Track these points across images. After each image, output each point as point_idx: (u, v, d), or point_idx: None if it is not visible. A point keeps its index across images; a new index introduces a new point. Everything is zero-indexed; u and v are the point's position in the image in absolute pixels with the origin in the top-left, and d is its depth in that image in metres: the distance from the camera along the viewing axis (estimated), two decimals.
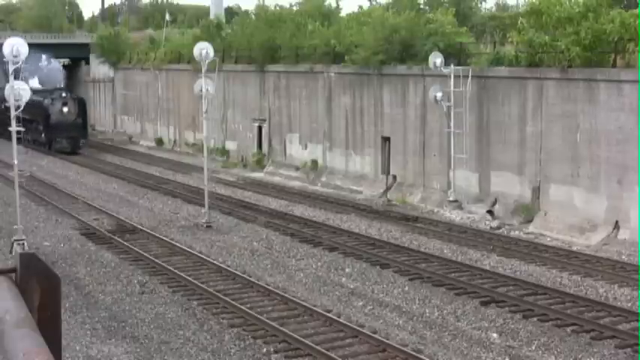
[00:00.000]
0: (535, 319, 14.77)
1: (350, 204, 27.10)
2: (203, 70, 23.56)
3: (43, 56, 52.17)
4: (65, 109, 43.65)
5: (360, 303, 15.95)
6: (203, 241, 21.60)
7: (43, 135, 44.53)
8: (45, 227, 23.45)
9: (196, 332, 14.24)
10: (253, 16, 42.30)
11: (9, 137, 41.17)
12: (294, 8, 40.39)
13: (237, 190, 30.43)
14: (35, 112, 42.56)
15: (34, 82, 48.12)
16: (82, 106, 45.09)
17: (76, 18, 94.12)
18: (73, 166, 37.70)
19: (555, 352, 13.17)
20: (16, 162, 19.25)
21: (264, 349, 13.32)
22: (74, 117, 44.09)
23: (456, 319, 14.90)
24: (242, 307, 15.35)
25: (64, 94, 44.73)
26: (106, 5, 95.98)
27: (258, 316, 14.78)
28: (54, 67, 52.37)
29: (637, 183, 20.26)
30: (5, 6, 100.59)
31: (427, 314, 15.20)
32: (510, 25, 28.73)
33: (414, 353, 12.87)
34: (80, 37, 66.92)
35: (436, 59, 25.63)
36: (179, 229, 23.25)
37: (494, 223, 23.43)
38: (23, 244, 19.13)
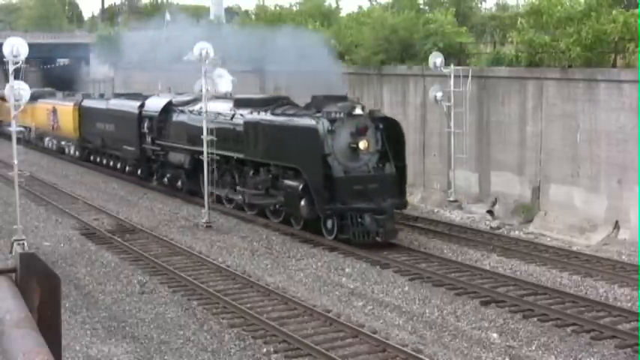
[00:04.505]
0: (535, 319, 14.77)
1: None
2: (203, 70, 23.56)
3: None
4: (362, 144, 20.31)
5: (360, 303, 15.94)
6: (203, 241, 21.60)
7: (303, 204, 20.67)
8: (45, 227, 23.45)
9: (196, 332, 14.24)
10: (253, 17, 42.31)
11: (169, 185, 28.25)
12: (294, 8, 40.40)
13: None
14: (282, 151, 21.67)
15: (223, 81, 28.93)
16: (394, 136, 21.35)
17: (76, 18, 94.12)
18: (72, 166, 37.67)
19: (555, 352, 13.17)
20: (16, 162, 19.23)
21: (264, 349, 13.32)
22: (377, 159, 21.01)
23: (456, 319, 14.89)
24: (242, 307, 15.36)
25: (357, 110, 20.70)
26: (106, 5, 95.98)
27: (258, 316, 14.79)
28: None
29: (637, 183, 20.26)
30: (5, 6, 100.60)
31: (427, 314, 15.20)
32: (510, 25, 28.74)
33: (414, 353, 12.87)
34: (80, 37, 66.94)
35: (436, 59, 25.63)
36: (179, 229, 23.25)
37: (494, 223, 23.42)
38: (23, 244, 19.12)
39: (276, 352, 13.21)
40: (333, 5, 41.43)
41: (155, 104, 29.61)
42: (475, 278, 17.51)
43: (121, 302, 16.12)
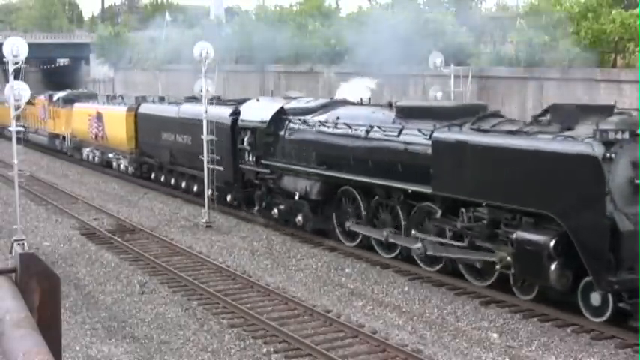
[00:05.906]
0: (535, 319, 14.76)
1: None
2: (203, 70, 23.54)
3: None
4: None
5: (360, 303, 15.94)
6: (203, 241, 21.60)
7: (554, 269, 13.78)
8: (45, 227, 23.45)
9: (196, 332, 14.24)
10: (253, 16, 42.35)
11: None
12: (294, 8, 40.43)
13: None
14: (514, 188, 14.51)
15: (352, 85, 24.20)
16: None
17: (76, 18, 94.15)
18: (72, 166, 37.66)
19: (555, 352, 13.17)
20: (16, 162, 19.23)
21: (264, 349, 13.32)
22: None
23: (456, 319, 14.89)
24: (242, 307, 15.36)
25: None
26: (106, 5, 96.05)
27: (258, 316, 14.79)
28: None
29: None
30: (5, 6, 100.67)
31: (427, 314, 15.20)
32: (510, 25, 28.76)
33: (414, 353, 12.87)
34: (80, 37, 67.02)
35: (436, 59, 25.64)
36: (179, 229, 23.25)
37: None
38: (23, 244, 19.12)
39: (276, 352, 13.21)
40: (333, 5, 41.49)
41: (258, 112, 22.59)
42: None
43: (121, 302, 16.12)
